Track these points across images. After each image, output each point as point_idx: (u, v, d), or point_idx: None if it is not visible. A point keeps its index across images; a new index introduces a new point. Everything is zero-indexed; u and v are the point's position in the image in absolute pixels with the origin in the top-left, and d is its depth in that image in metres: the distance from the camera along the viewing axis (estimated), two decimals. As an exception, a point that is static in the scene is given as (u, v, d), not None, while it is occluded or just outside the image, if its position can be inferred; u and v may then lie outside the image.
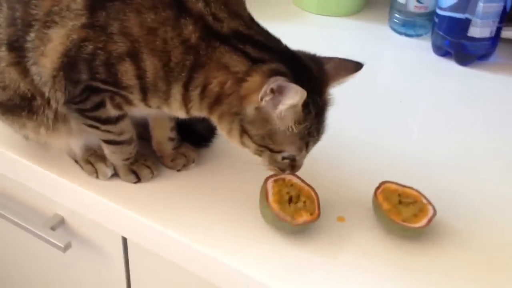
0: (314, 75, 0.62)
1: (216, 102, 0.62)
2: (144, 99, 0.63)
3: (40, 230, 0.83)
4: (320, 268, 0.64)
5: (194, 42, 0.60)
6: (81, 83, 0.62)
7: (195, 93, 0.62)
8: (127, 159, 0.71)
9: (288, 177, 0.69)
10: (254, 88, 0.59)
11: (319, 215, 0.67)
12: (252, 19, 0.64)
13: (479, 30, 0.97)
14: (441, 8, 0.99)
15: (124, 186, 0.72)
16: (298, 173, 0.68)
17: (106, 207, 0.71)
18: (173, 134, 0.75)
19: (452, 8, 0.97)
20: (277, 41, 0.64)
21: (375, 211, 0.69)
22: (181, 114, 0.65)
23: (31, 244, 0.92)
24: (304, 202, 0.67)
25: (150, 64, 0.60)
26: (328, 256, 0.65)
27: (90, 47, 0.60)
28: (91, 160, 0.73)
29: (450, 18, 0.98)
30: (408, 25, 1.08)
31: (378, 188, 0.69)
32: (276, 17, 1.08)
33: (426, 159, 0.80)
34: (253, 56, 0.60)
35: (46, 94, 0.65)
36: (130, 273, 0.84)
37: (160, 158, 0.75)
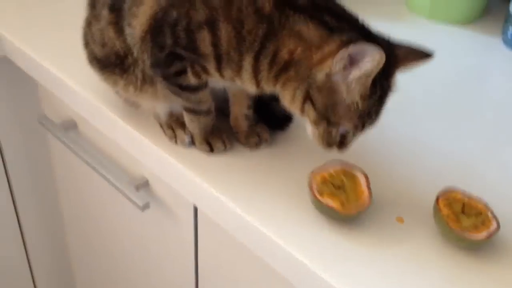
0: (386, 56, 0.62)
1: (283, 69, 0.64)
2: (219, 68, 0.67)
3: (125, 188, 0.91)
4: (362, 259, 0.64)
5: (267, 10, 0.62)
6: (166, 48, 0.67)
7: (264, 62, 0.64)
8: (204, 129, 0.75)
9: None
10: (329, 54, 0.61)
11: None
12: None
13: None
14: (558, 25, 0.93)
15: (197, 155, 0.76)
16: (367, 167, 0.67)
17: (179, 172, 0.76)
18: (249, 112, 0.77)
19: None
20: (355, 17, 0.65)
21: (434, 216, 0.67)
22: (252, 88, 0.68)
23: (115, 199, 1.00)
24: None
25: (224, 33, 0.64)
26: (374, 251, 0.65)
27: (175, 12, 0.65)
28: (173, 126, 0.77)
29: None
30: (522, 41, 1.02)
31: (441, 192, 0.67)
32: (384, 17, 1.07)
33: (504, 175, 0.77)
34: (330, 25, 0.62)
35: (135, 54, 0.71)
36: (198, 242, 0.89)
37: (236, 134, 0.78)
